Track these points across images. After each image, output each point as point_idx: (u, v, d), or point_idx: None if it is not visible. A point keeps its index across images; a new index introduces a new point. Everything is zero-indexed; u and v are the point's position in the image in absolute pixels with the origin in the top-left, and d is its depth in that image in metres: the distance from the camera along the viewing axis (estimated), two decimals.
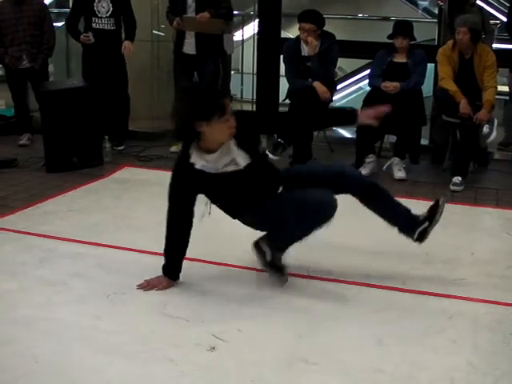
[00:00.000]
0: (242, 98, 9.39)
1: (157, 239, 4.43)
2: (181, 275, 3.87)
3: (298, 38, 6.45)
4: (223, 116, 3.44)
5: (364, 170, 6.14)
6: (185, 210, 3.75)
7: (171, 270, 3.82)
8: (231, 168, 3.63)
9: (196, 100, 3.48)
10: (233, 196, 3.76)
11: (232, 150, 3.61)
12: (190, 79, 7.03)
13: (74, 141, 6.22)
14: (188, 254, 4.17)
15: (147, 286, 3.76)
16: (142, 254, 4.24)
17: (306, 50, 6.36)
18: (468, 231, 4.94)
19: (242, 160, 3.63)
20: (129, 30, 6.94)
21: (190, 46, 6.83)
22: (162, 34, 7.07)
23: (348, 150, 6.69)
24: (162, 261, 3.82)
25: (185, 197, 3.74)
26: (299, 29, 6.33)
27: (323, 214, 3.57)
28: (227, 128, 3.49)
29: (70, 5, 7.21)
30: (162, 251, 3.82)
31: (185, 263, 4.02)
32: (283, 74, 7.09)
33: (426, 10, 12.47)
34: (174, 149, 6.99)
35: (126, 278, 3.88)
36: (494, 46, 7.72)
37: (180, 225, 3.78)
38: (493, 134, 5.96)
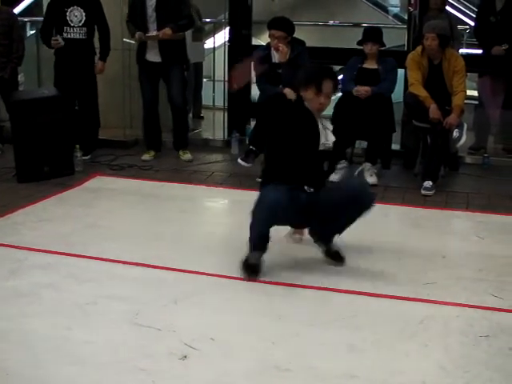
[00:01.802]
0: (213, 105, 9.40)
1: (128, 248, 4.44)
2: (153, 285, 3.87)
3: (268, 45, 6.45)
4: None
5: (336, 176, 6.16)
6: None
7: None
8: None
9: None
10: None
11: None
12: (156, 87, 7.01)
13: (45, 150, 6.17)
14: (159, 263, 4.19)
15: None
16: (114, 264, 4.21)
17: (276, 57, 6.37)
18: (439, 235, 4.97)
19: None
20: (103, 43, 6.90)
21: (153, 54, 6.80)
22: (133, 41, 7.05)
23: None
24: (133, 270, 3.81)
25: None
26: (269, 36, 6.33)
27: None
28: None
29: (43, 13, 7.16)
30: (135, 261, 3.79)
31: (157, 272, 4.04)
32: (255, 81, 7.11)
33: (396, 16, 12.56)
34: (145, 157, 6.99)
35: (98, 287, 3.86)
36: (464, 51, 7.82)
37: None
38: (463, 139, 6.00)
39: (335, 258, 4.26)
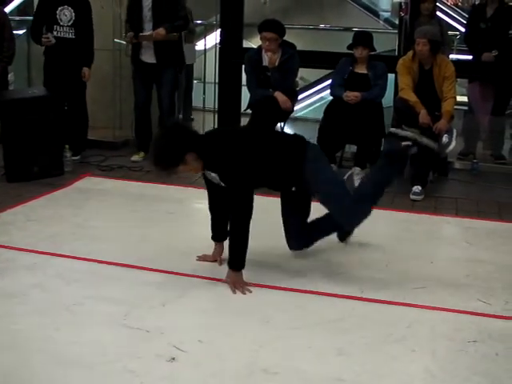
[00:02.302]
0: (204, 107, 9.39)
1: (116, 249, 4.43)
2: (141, 286, 3.87)
3: (259, 48, 6.46)
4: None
5: None
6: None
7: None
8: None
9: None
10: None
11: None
12: (150, 88, 7.02)
13: (35, 150, 6.15)
14: (148, 264, 4.19)
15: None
16: (102, 265, 4.21)
17: (266, 60, 6.38)
18: (427, 240, 4.98)
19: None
20: (87, 47, 6.88)
21: (148, 55, 6.81)
22: (124, 42, 7.05)
23: None
24: (121, 271, 3.80)
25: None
26: (261, 38, 6.34)
27: None
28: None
29: (33, 13, 7.15)
30: (123, 262, 3.79)
31: (145, 274, 4.04)
32: (245, 83, 7.12)
33: (387, 20, 12.58)
34: (135, 158, 6.98)
35: (86, 288, 3.86)
36: (454, 56, 7.85)
37: None
38: (452, 144, 6.01)
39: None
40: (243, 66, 6.82)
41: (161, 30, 6.64)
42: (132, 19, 6.83)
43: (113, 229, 4.94)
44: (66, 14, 6.74)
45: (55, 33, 6.73)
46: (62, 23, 6.74)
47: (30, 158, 6.14)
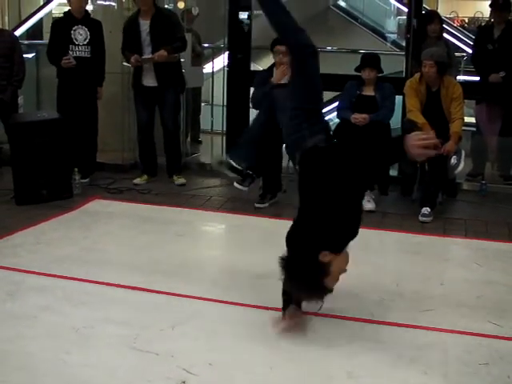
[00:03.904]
0: (212, 129, 9.41)
1: (125, 271, 4.43)
2: (150, 309, 3.87)
3: (270, 68, 6.50)
4: None
5: None
6: None
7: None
8: None
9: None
10: None
11: None
12: (152, 111, 7.06)
13: (44, 173, 6.18)
14: (157, 287, 4.18)
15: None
16: (111, 287, 4.20)
17: (276, 75, 6.38)
18: (437, 262, 4.97)
19: None
20: (99, 67, 6.96)
21: (149, 78, 6.86)
22: (130, 65, 7.09)
23: None
24: (130, 293, 3.79)
25: None
26: (274, 52, 6.38)
27: None
28: None
29: (43, 36, 7.22)
30: (132, 285, 3.78)
31: (154, 296, 4.03)
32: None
33: (394, 42, 12.65)
34: (137, 181, 6.99)
35: (95, 311, 3.85)
36: (461, 77, 7.86)
37: None
38: (460, 165, 6.02)
39: None
40: (250, 89, 6.84)
41: (163, 52, 6.69)
42: (130, 44, 6.87)
43: (122, 251, 4.95)
44: (81, 34, 6.81)
45: (71, 53, 6.79)
46: (77, 42, 6.81)
47: (39, 180, 6.17)
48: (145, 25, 6.81)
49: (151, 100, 6.98)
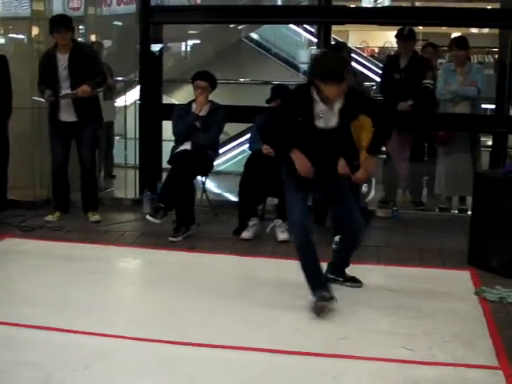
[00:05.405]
0: (125, 163, 9.35)
1: (37, 312, 4.32)
2: (62, 349, 3.79)
3: (190, 102, 6.56)
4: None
5: (247, 233, 6.20)
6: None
7: None
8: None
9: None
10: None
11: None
12: (68, 147, 6.93)
13: None
14: (71, 326, 4.10)
15: None
16: (19, 328, 4.07)
17: (196, 108, 6.45)
18: (350, 289, 5.00)
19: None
20: (6, 103, 6.84)
21: (67, 113, 6.73)
22: (42, 99, 6.96)
23: (231, 213, 6.73)
24: (41, 334, 3.69)
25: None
26: (194, 87, 6.46)
27: None
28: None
29: None
30: (42, 325, 3.68)
31: (67, 336, 3.95)
32: (165, 138, 7.12)
33: (306, 73, 12.82)
34: (49, 218, 6.85)
35: (3, 352, 3.74)
36: None
37: None
38: (371, 193, 6.12)
39: (355, 281, 5.03)
40: (163, 122, 6.85)
41: (86, 87, 6.57)
42: (46, 79, 6.75)
43: (34, 291, 4.83)
44: None
45: None
46: None
47: None
48: (62, 59, 6.68)
49: (68, 135, 6.86)
